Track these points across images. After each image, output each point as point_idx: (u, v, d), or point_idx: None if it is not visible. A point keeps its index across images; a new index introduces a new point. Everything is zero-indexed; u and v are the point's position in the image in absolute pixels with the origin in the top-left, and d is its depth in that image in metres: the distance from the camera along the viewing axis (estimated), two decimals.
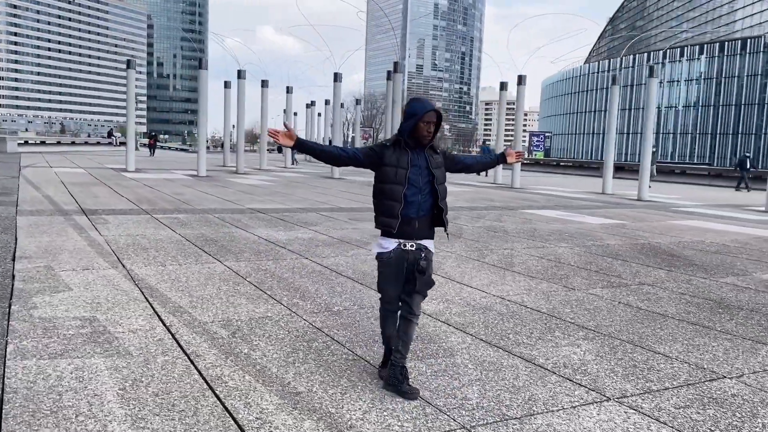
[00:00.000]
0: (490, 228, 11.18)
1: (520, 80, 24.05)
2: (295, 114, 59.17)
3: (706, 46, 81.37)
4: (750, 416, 3.47)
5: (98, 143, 63.59)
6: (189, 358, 3.99)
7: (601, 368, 4.15)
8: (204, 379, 3.66)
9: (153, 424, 3.04)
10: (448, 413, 3.32)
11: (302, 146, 3.60)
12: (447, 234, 3.84)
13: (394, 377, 3.53)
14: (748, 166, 29.79)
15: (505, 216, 13.30)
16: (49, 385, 3.46)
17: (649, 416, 3.40)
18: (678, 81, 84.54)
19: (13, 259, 6.72)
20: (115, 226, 9.42)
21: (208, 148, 27.40)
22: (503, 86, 25.72)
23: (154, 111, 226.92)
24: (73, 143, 62.00)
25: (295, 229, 9.96)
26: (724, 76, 78.12)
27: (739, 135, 76.48)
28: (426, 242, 3.63)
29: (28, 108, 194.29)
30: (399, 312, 3.68)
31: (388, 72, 21.51)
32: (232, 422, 3.11)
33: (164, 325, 4.66)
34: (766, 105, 73.58)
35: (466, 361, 4.17)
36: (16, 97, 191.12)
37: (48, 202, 12.17)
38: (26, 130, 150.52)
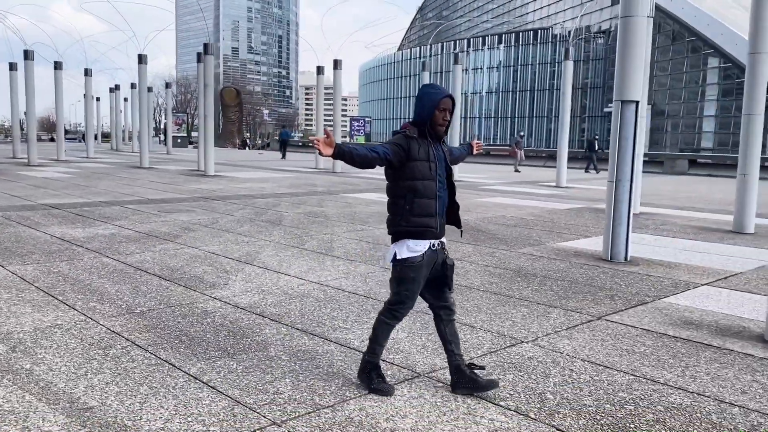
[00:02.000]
0: (311, 213, 11.12)
1: (336, 65, 24.25)
2: (98, 99, 54.43)
3: (504, 36, 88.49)
4: (543, 376, 3.74)
5: None
6: None
7: (413, 345, 4.24)
8: None
9: None
10: (258, 410, 3.16)
11: (342, 155, 3.15)
12: (461, 232, 3.64)
13: (469, 378, 3.39)
14: (597, 148, 29.55)
15: (326, 201, 13.33)
16: None
17: (426, 374, 3.52)
18: (481, 68, 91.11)
19: None
20: None
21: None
22: (320, 70, 25.76)
23: None
24: None
25: (95, 225, 9.08)
26: (519, 63, 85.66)
27: (534, 118, 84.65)
28: (444, 240, 3.45)
29: None
30: (439, 316, 3.49)
31: (198, 54, 20.43)
32: None
33: None
34: (555, 90, 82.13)
35: (280, 353, 4.03)
36: None
37: None
38: None
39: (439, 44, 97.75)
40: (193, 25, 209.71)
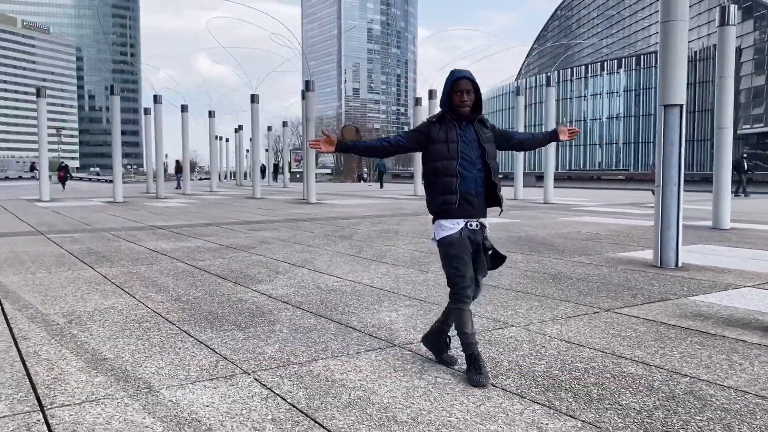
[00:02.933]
0: (384, 230, 11.66)
1: (431, 95, 24.89)
2: (226, 140, 59.01)
3: (624, 60, 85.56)
4: (510, 350, 3.97)
5: (20, 178, 61.62)
6: (14, 339, 4.23)
7: (405, 325, 4.60)
8: (19, 353, 3.91)
9: None
10: (237, 364, 3.69)
11: (345, 148, 3.64)
12: (502, 210, 3.64)
13: (440, 343, 3.71)
14: (745, 169, 25.99)
15: (405, 221, 13.83)
16: None
17: (421, 355, 3.85)
18: (600, 94, 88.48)
19: None
20: (2, 246, 9.43)
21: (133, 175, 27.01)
22: (418, 101, 26.54)
23: (87, 145, 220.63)
24: None
25: (185, 240, 10.18)
26: (641, 87, 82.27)
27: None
28: (484, 221, 3.55)
29: None
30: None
31: (302, 91, 21.94)
32: (28, 382, 3.39)
33: (4, 316, 4.87)
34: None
35: (283, 328, 4.55)
36: None
37: None
38: None
39: (556, 72, 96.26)
40: (321, 68, 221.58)
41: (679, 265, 7.20)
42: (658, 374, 3.47)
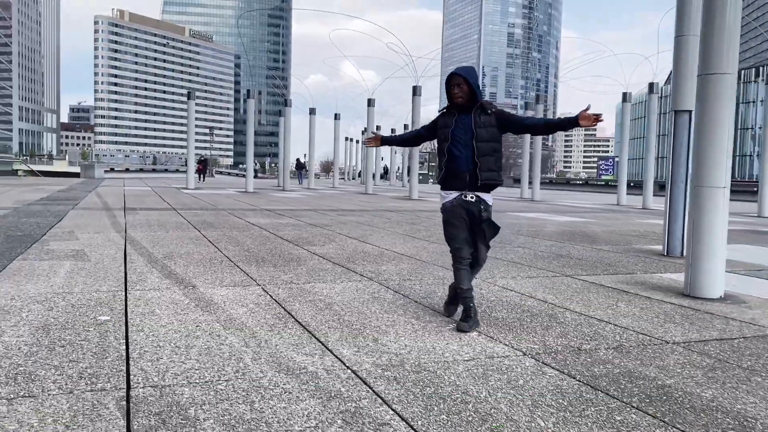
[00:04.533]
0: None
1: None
2: (348, 139, 62.47)
3: None
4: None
5: (177, 171, 68.88)
6: (125, 263, 6.26)
7: (397, 274, 6.08)
8: (125, 270, 5.91)
9: (85, 278, 5.31)
10: (256, 281, 5.40)
11: (387, 141, 4.74)
12: (479, 189, 4.01)
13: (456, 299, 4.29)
14: None
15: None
16: (35, 267, 5.82)
17: (373, 280, 5.33)
18: (754, 102, 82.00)
19: (50, 228, 9.33)
20: (141, 215, 12.01)
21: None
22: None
23: (241, 144, 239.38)
24: (153, 170, 67.76)
25: (281, 218, 12.23)
26: None
27: None
28: (484, 195, 4.02)
29: (126, 143, 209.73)
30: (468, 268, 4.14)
31: (413, 96, 23.61)
32: (123, 279, 5.32)
33: (124, 252, 6.98)
34: None
35: (307, 268, 6.21)
36: (116, 134, 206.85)
37: (101, 204, 15.07)
38: (123, 163, 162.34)
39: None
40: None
41: (684, 254, 7.96)
42: (582, 320, 4.67)
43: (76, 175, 46.32)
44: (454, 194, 4.05)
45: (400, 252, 7.71)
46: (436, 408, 2.64)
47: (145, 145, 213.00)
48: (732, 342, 3.88)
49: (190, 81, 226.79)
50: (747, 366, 3.39)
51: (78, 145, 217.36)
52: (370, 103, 27.02)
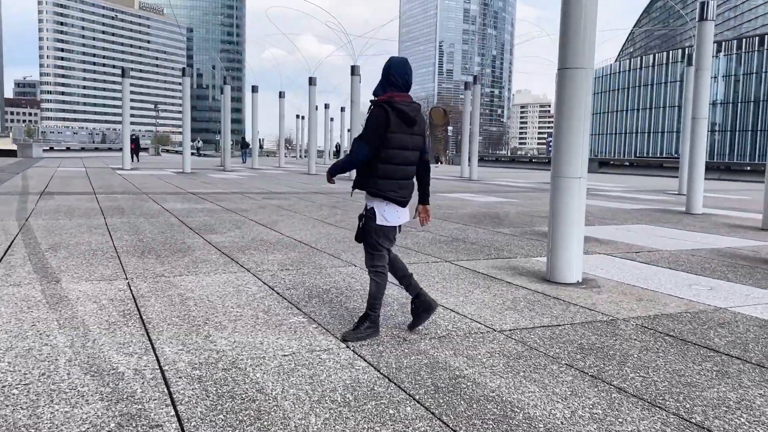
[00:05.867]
0: None
1: (476, 80, 25.73)
2: (298, 116, 61.71)
3: (723, 43, 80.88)
4: (340, 276, 5.46)
5: (121, 149, 67.22)
6: (4, 255, 6.19)
7: (279, 264, 6.18)
8: (5, 258, 5.84)
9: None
10: (126, 272, 5.42)
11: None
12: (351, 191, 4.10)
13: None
14: None
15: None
16: None
17: (250, 271, 5.43)
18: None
19: None
20: (55, 201, 11.78)
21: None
22: (467, 85, 27.47)
23: (195, 120, 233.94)
24: (96, 149, 66.01)
25: (200, 203, 12.17)
26: (742, 73, 77.66)
27: (759, 132, 75.87)
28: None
29: (75, 120, 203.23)
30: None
31: (351, 68, 23.46)
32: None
33: (10, 243, 6.89)
34: None
35: (187, 258, 6.25)
36: (63, 110, 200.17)
37: (20, 188, 14.69)
38: (69, 140, 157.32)
39: (651, 55, 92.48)
40: (417, 49, 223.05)
41: None
42: (404, 297, 4.87)
43: (14, 153, 44.84)
44: None
45: (300, 239, 7.80)
46: (219, 407, 2.75)
47: (95, 121, 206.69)
48: (556, 329, 4.11)
49: (140, 55, 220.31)
50: (553, 354, 3.61)
51: (24, 121, 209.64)
52: (312, 81, 26.81)
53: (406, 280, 4.06)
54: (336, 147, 57.54)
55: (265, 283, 5.21)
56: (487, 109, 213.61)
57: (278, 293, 4.89)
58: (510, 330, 4.06)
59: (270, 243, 7.41)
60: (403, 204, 3.85)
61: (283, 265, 6.04)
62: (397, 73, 3.77)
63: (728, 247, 8.08)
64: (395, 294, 4.88)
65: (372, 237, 3.85)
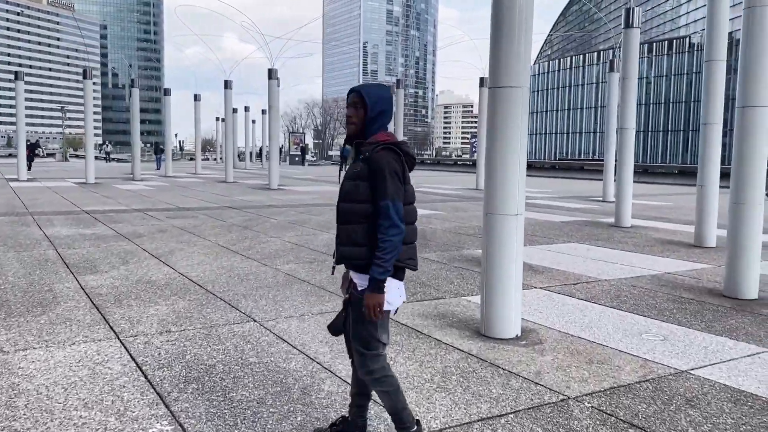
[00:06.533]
0: (297, 221, 12.09)
1: (482, 82, 23.95)
2: (253, 121, 59.33)
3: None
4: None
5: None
6: None
7: (151, 315, 5.07)
8: None
9: None
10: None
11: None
12: (333, 269, 3.01)
13: None
14: None
15: (333, 211, 14.22)
16: None
17: (120, 336, 4.31)
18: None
19: None
20: None
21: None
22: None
23: (110, 122, 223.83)
24: None
25: (91, 227, 10.73)
26: (654, 75, 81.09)
27: (669, 132, 79.50)
28: (353, 273, 2.76)
29: None
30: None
31: (269, 71, 22.17)
32: None
33: None
34: (693, 103, 76.67)
35: (45, 317, 5.04)
36: None
37: None
38: None
39: (569, 58, 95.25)
40: (341, 49, 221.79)
41: None
42: (311, 371, 3.89)
43: None
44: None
45: (196, 278, 6.68)
46: None
47: (2, 123, 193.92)
48: (498, 423, 3.25)
49: (50, 53, 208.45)
50: None
51: None
52: (227, 85, 25.33)
53: (360, 400, 2.99)
54: (259, 150, 55.48)
55: (133, 358, 4.12)
56: (411, 109, 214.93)
57: (146, 376, 3.81)
58: (438, 430, 3.17)
59: (158, 286, 6.26)
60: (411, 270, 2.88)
61: (165, 324, 4.94)
62: (391, 108, 2.81)
63: (667, 272, 7.55)
64: (305, 346, 3.91)
65: (372, 331, 2.72)
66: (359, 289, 2.71)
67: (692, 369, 4.14)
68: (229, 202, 16.30)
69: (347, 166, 2.84)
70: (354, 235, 2.69)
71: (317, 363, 4.09)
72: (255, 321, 5.06)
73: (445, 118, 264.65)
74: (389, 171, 2.62)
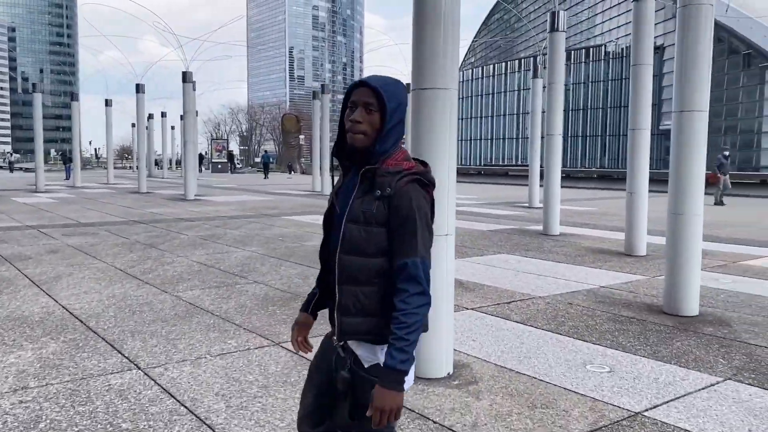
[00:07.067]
0: (210, 236, 11.15)
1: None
2: (172, 127, 56.69)
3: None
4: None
5: None
6: None
7: (4, 366, 4.13)
8: None
9: None
10: None
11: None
12: (337, 335, 2.03)
13: None
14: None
15: (250, 224, 13.34)
16: None
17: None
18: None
19: None
20: None
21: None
22: (315, 95, 26.00)
23: (21, 129, 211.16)
24: None
25: None
26: (572, 83, 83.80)
27: (588, 137, 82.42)
28: (358, 347, 1.98)
29: None
30: None
31: (183, 74, 20.91)
32: None
33: None
34: (609, 109, 79.77)
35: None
36: None
37: None
38: None
39: (491, 66, 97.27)
40: (266, 54, 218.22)
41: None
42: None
43: None
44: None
45: (80, 311, 5.71)
46: None
47: None
48: None
49: None
50: None
51: None
52: (139, 89, 23.83)
53: None
54: (200, 156, 52.49)
55: None
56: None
57: None
58: None
59: (29, 324, 5.27)
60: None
61: (23, 377, 4.02)
62: (405, 117, 2.02)
63: (602, 286, 7.17)
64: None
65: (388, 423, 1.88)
66: (367, 365, 1.95)
67: (646, 410, 3.63)
68: (138, 215, 15.05)
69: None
70: (365, 302, 1.93)
71: (207, 426, 3.32)
72: (139, 368, 4.21)
73: None
74: (420, 216, 1.89)
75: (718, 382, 4.08)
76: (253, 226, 12.81)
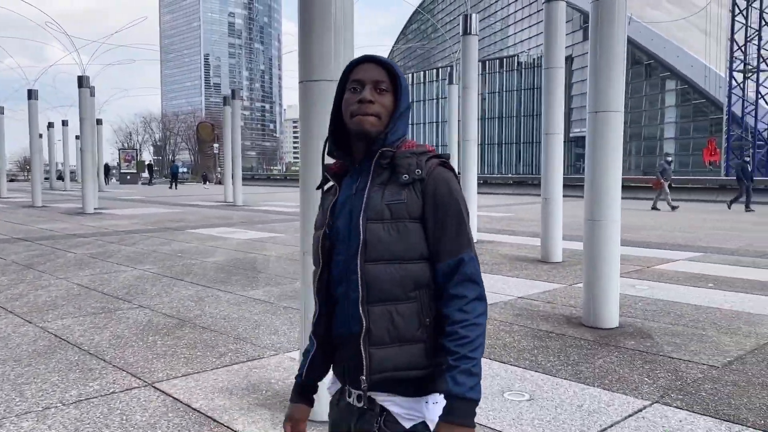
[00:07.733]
0: (101, 253, 10.11)
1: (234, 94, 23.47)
2: (77, 137, 53.15)
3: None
4: None
5: None
6: None
7: None
8: None
9: None
10: None
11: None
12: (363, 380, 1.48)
13: None
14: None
15: (151, 239, 12.32)
16: None
17: None
18: (447, 98, 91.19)
19: None
20: None
21: None
22: (226, 101, 24.93)
23: None
24: None
25: None
26: (487, 92, 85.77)
27: (504, 145, 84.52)
28: (385, 397, 1.48)
29: None
30: None
31: (79, 79, 19.42)
32: None
33: None
34: (522, 117, 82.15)
35: None
36: None
37: None
38: None
39: (410, 74, 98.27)
40: (181, 61, 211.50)
41: None
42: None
43: None
44: (336, 383, 1.61)
45: None
46: None
47: None
48: None
49: None
50: None
51: None
52: (32, 95, 22.02)
53: None
54: (106, 167, 49.24)
55: None
56: (259, 124, 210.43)
57: None
58: None
59: None
60: None
61: None
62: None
63: (520, 297, 6.82)
64: None
65: None
66: (409, 426, 1.47)
67: None
68: (24, 232, 13.65)
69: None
70: (401, 325, 1.45)
71: None
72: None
73: (295, 132, 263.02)
74: (463, 206, 1.54)
75: (645, 407, 3.71)
76: (152, 241, 11.80)
